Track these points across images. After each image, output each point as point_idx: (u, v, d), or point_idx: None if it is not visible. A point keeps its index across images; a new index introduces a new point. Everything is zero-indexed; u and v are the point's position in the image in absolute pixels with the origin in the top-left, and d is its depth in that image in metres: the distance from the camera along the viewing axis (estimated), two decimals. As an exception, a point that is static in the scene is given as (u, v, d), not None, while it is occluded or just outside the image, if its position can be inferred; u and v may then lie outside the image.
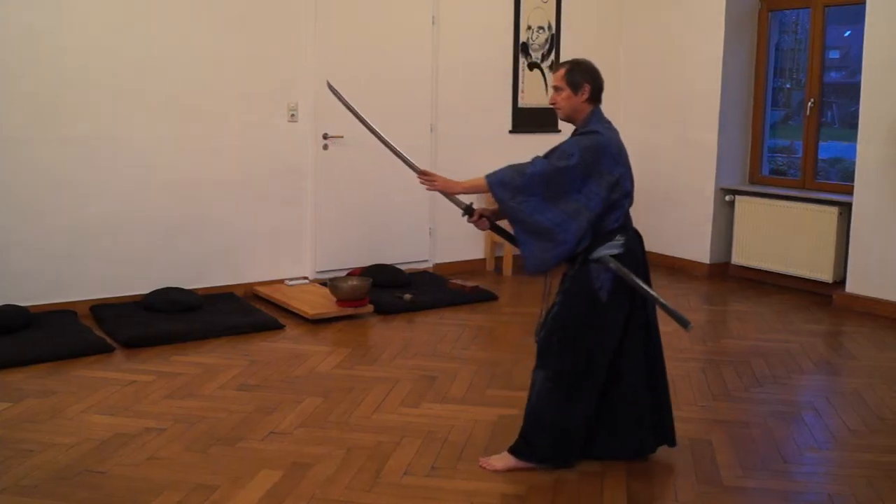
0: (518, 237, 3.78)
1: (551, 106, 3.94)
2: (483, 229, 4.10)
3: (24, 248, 5.91)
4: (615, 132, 3.82)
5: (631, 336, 3.82)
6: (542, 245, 3.71)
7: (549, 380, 3.78)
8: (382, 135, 3.94)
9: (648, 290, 3.67)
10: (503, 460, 3.82)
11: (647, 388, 3.87)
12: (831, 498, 3.58)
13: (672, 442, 3.94)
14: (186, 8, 6.31)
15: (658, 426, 3.91)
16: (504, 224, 3.96)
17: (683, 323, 3.62)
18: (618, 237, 3.74)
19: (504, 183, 3.77)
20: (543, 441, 3.79)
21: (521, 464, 3.80)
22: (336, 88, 4.31)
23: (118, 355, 5.31)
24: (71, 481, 3.59)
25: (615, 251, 3.73)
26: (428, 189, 4.12)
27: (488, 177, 3.83)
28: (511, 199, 3.72)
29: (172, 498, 3.46)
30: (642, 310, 3.83)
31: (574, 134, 3.88)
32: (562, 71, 3.85)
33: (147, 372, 4.98)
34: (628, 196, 3.78)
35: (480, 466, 3.82)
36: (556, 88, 3.86)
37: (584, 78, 3.82)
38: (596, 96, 3.87)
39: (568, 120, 3.92)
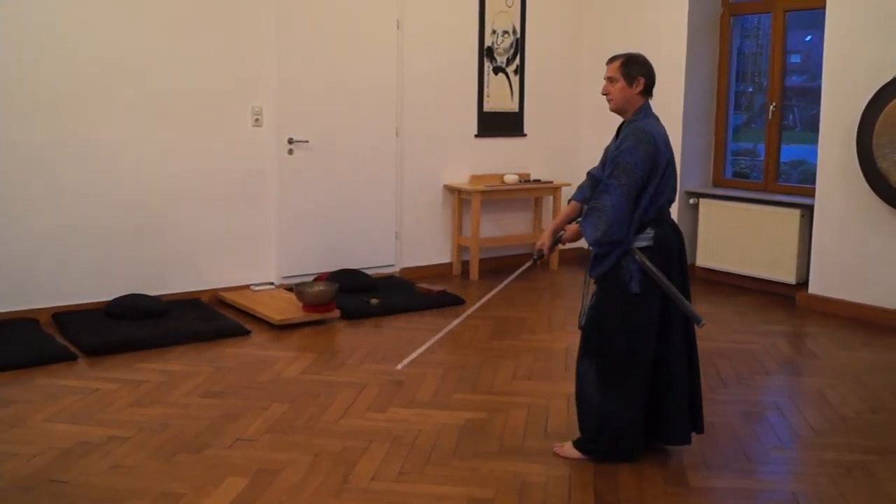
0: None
1: (603, 95, 4.02)
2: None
3: (-16, 256, 5.83)
4: (662, 127, 3.93)
5: (675, 325, 3.90)
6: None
7: (595, 373, 3.89)
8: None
9: (667, 283, 3.77)
10: (573, 451, 3.95)
11: (687, 375, 3.97)
12: (796, 496, 3.62)
13: (700, 429, 4.04)
14: (148, 12, 6.26)
15: (692, 413, 4.01)
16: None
17: (696, 319, 3.80)
18: (648, 229, 3.83)
19: (596, 234, 3.80)
20: (602, 438, 3.89)
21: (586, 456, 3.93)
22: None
23: (81, 363, 5.24)
24: (33, 491, 3.54)
25: (644, 243, 3.82)
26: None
27: (588, 239, 3.87)
28: (604, 236, 3.79)
29: (137, 506, 3.43)
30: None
31: (623, 126, 3.97)
32: (616, 63, 3.97)
33: (111, 379, 4.92)
34: (665, 191, 3.87)
35: (554, 452, 3.96)
36: (610, 79, 3.96)
37: (639, 71, 3.94)
38: (649, 90, 3.98)
39: (617, 111, 4.01)
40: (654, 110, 4.00)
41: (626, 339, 3.85)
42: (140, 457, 3.89)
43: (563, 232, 4.06)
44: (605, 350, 3.89)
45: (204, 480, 3.66)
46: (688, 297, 3.98)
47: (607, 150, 4.05)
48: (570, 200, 4.15)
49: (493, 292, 4.46)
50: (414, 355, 4.25)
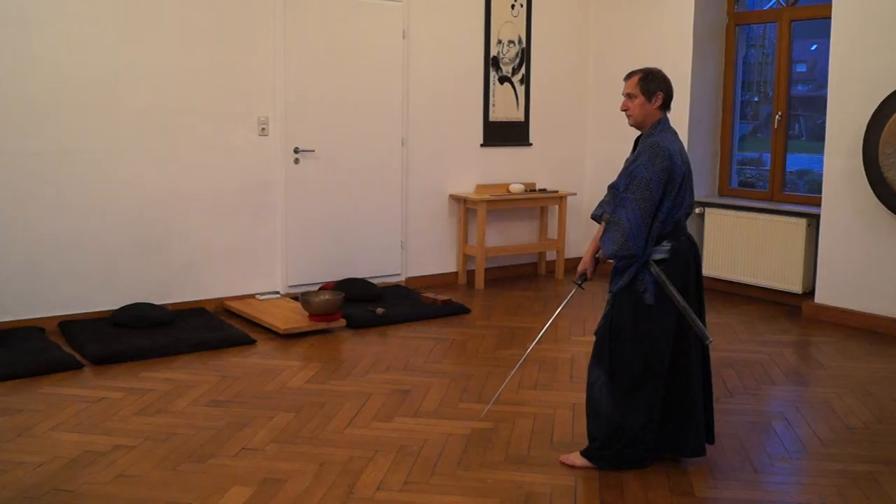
0: None
1: (622, 111, 4.04)
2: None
3: (-9, 265, 5.85)
4: (679, 142, 3.95)
5: (693, 337, 3.91)
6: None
7: (607, 381, 3.92)
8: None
9: (679, 298, 3.80)
10: (580, 460, 3.97)
11: (702, 387, 4.01)
12: (802, 507, 3.61)
13: (712, 439, 4.07)
14: (157, 22, 6.28)
15: (707, 425, 4.05)
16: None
17: (704, 336, 3.82)
18: (665, 242, 3.86)
19: (613, 247, 3.86)
20: (613, 446, 3.91)
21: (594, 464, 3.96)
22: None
23: (87, 372, 5.25)
24: (39, 500, 3.54)
25: (660, 256, 3.86)
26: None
27: (605, 253, 3.94)
28: (620, 249, 3.85)
29: (142, 516, 3.43)
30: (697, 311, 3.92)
31: (639, 140, 4.00)
32: (635, 78, 3.99)
33: (117, 388, 4.93)
34: (682, 204, 3.89)
35: (561, 462, 3.97)
36: (629, 95, 3.98)
37: (658, 86, 3.95)
38: (667, 104, 3.99)
39: (636, 126, 4.03)
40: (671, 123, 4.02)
41: (639, 349, 3.87)
42: (145, 466, 3.89)
43: (600, 252, 4.06)
44: (619, 358, 3.90)
45: (209, 490, 3.65)
46: (703, 308, 4.02)
47: (627, 162, 4.05)
48: (595, 217, 4.12)
49: (548, 323, 4.59)
50: (496, 396, 4.47)
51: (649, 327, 3.86)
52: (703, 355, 4.02)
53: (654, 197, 3.79)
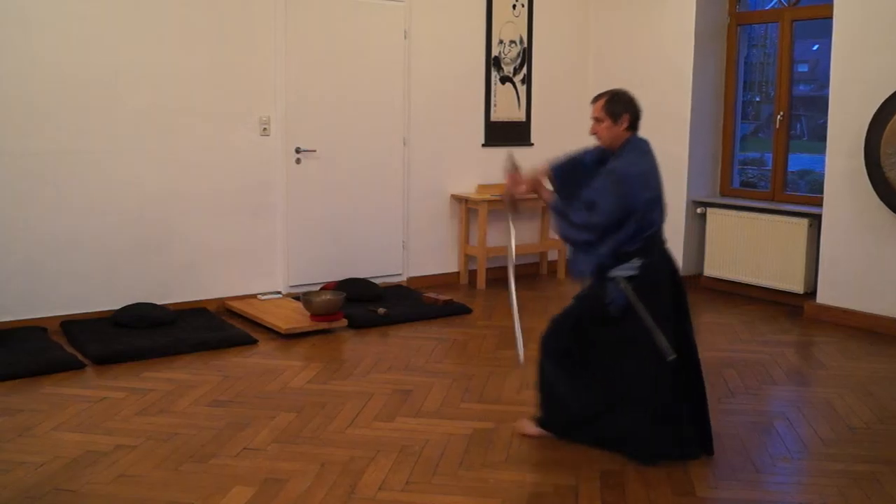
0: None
1: (591, 135, 4.12)
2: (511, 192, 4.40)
3: (-7, 264, 5.85)
4: (648, 161, 4.05)
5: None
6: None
7: (551, 357, 4.22)
8: None
9: (646, 316, 3.90)
10: (533, 428, 4.28)
11: (682, 398, 4.05)
12: (804, 507, 3.61)
13: (710, 451, 4.09)
14: (157, 22, 6.29)
15: (700, 435, 4.08)
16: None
17: (666, 352, 3.89)
18: (635, 259, 3.95)
19: (559, 232, 4.19)
20: (554, 415, 4.22)
21: (544, 432, 4.24)
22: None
23: (89, 372, 5.25)
24: (40, 500, 3.55)
25: (629, 273, 3.95)
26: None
27: (553, 203, 4.22)
28: (562, 237, 4.18)
29: (144, 516, 3.43)
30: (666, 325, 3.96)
31: (610, 159, 4.08)
32: (601, 102, 4.08)
33: (118, 388, 4.93)
34: (654, 223, 3.99)
35: (518, 431, 4.29)
36: (597, 119, 4.07)
37: (624, 108, 4.04)
38: (634, 125, 4.06)
39: (608, 147, 4.10)
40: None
41: (585, 341, 4.13)
42: (147, 466, 3.89)
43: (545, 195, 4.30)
44: (562, 339, 4.20)
45: (211, 490, 3.66)
46: (687, 317, 4.10)
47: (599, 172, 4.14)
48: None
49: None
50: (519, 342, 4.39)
51: (604, 326, 4.06)
52: (692, 365, 4.09)
53: (601, 226, 3.92)
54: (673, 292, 4.03)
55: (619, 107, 4.03)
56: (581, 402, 4.15)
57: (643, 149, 4.06)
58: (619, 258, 3.96)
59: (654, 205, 3.99)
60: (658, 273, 3.98)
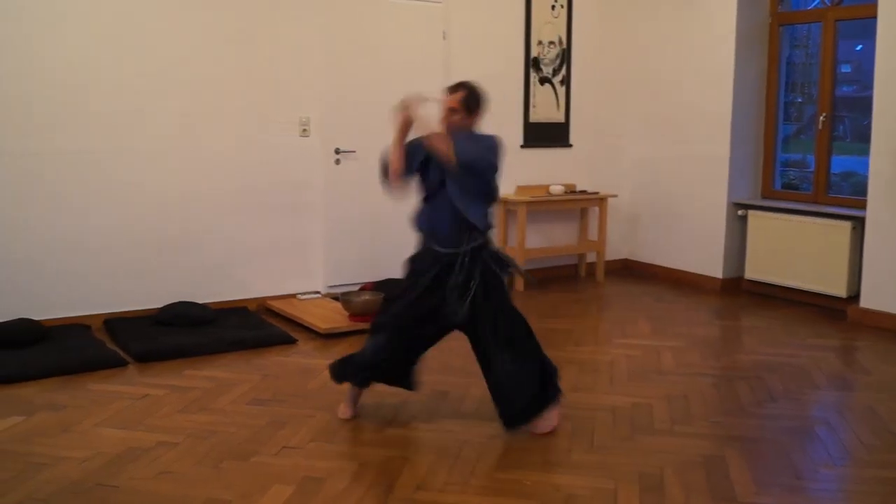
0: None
1: (441, 124, 4.31)
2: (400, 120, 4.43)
3: (37, 263, 5.95)
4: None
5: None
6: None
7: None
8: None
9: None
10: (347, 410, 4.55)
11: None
12: (846, 514, 3.57)
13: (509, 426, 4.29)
14: (198, 23, 6.36)
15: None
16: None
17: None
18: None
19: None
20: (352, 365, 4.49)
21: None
22: None
23: (131, 369, 5.32)
24: (83, 496, 3.60)
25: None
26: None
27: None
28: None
29: (185, 512, 3.47)
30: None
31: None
32: (459, 95, 4.29)
33: (160, 386, 4.99)
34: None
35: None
36: (452, 110, 4.29)
37: (478, 104, 4.33)
38: (480, 116, 4.39)
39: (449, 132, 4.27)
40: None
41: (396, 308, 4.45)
42: (187, 463, 3.93)
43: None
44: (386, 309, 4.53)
45: (250, 488, 3.69)
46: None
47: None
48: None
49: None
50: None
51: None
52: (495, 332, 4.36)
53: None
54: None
55: (475, 102, 4.29)
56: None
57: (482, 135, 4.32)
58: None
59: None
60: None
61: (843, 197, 7.37)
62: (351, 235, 7.15)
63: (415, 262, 4.40)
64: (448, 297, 4.18)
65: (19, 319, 5.75)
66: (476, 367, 5.38)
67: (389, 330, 4.37)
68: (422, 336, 4.41)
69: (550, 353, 5.73)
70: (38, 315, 5.90)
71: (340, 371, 4.52)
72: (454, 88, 4.28)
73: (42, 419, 4.44)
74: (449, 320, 4.23)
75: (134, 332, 5.88)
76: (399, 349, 4.41)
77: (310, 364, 5.46)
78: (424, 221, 4.34)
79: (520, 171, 7.99)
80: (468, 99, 4.26)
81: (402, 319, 4.35)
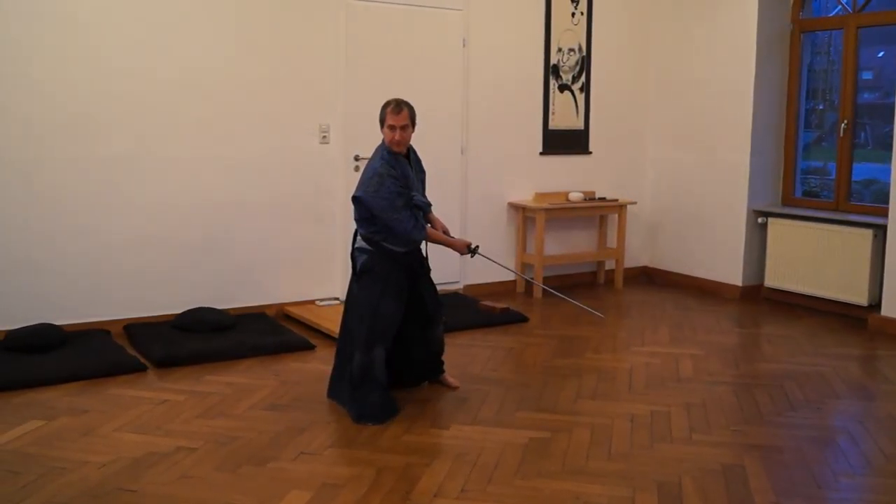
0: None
1: (396, 143, 4.72)
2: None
3: (58, 269, 5.99)
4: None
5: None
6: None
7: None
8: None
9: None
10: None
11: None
12: (867, 524, 3.53)
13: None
14: (218, 30, 6.40)
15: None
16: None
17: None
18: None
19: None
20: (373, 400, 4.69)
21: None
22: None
23: (151, 374, 5.35)
24: (103, 499, 3.62)
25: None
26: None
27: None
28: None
29: (203, 517, 3.48)
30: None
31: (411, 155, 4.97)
32: (406, 112, 4.70)
33: (179, 391, 5.02)
34: None
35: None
36: (404, 127, 4.70)
37: (415, 116, 4.78)
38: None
39: (399, 151, 4.76)
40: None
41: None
42: (206, 468, 3.95)
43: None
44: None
45: (268, 493, 3.70)
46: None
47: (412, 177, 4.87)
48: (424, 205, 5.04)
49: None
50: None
51: None
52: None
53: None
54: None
55: (415, 115, 4.75)
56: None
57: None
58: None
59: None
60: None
61: (865, 205, 7.32)
62: (370, 242, 7.15)
63: (375, 266, 4.90)
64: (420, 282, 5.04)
65: (40, 324, 5.79)
66: (495, 374, 5.40)
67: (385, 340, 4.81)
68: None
69: (570, 360, 5.75)
70: (58, 320, 5.94)
71: (371, 412, 4.59)
72: (399, 106, 4.69)
73: (63, 423, 4.47)
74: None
75: (154, 337, 5.91)
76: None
77: (328, 370, 5.45)
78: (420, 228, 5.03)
79: (539, 178, 7.99)
80: (412, 113, 4.75)
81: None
